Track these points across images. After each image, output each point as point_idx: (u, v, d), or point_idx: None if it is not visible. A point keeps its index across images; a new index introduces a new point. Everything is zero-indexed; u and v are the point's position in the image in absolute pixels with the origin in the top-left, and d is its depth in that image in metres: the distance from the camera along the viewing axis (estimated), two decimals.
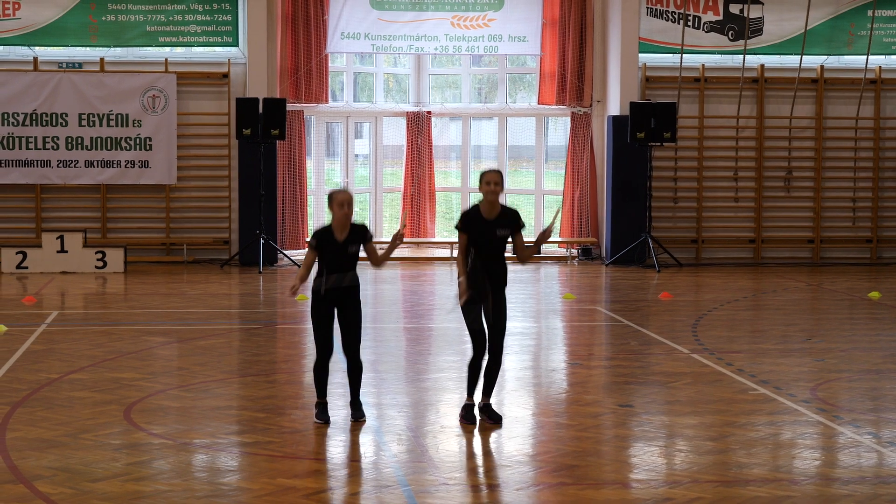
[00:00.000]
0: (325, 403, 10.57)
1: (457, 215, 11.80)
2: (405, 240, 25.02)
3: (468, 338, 10.42)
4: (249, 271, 22.56)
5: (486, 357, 10.41)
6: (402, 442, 9.84)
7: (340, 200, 10.26)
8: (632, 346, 14.63)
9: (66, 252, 22.32)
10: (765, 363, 13.40)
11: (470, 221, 10.35)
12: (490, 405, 10.52)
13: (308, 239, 10.49)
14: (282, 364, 13.43)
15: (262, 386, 12.12)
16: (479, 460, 9.50)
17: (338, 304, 10.40)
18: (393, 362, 13.61)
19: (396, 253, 24.73)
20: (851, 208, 25.36)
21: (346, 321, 10.42)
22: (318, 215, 24.87)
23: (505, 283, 10.45)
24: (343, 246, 10.32)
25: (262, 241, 22.79)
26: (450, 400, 11.36)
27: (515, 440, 9.95)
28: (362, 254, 10.41)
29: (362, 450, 9.68)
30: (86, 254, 22.38)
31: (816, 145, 25.14)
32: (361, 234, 10.43)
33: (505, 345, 10.67)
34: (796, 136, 25.19)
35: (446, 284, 20.09)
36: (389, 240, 10.52)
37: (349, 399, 10.63)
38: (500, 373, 10.57)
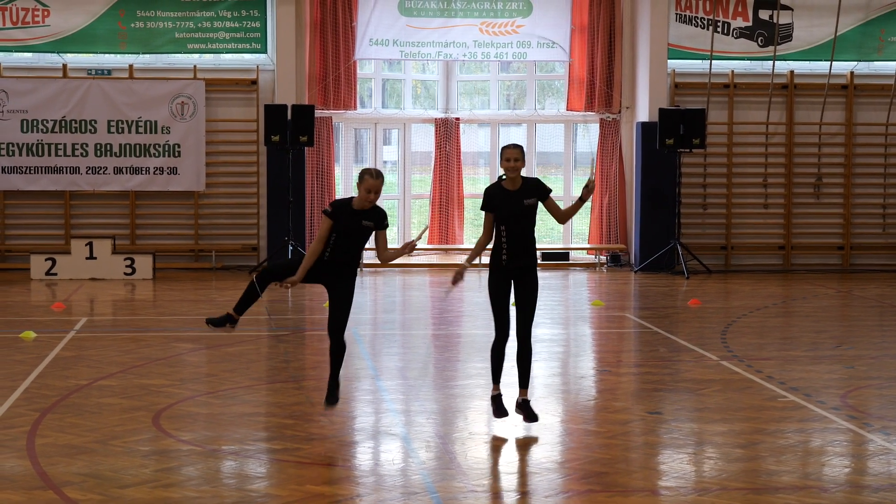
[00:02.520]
0: (237, 316, 10.78)
1: None
2: (433, 246, 25.08)
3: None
4: None
5: (516, 344, 10.39)
6: (431, 449, 9.82)
7: (368, 187, 10.15)
8: (661, 353, 14.58)
9: (95, 259, 22.39)
10: (794, 370, 13.34)
11: (494, 197, 10.23)
12: (527, 401, 10.43)
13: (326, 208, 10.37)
14: (310, 370, 13.43)
15: (291, 392, 12.12)
16: (508, 467, 9.47)
17: (332, 278, 10.32)
18: (421, 369, 13.61)
19: (425, 259, 24.92)
20: (882, 215, 25.23)
21: (335, 297, 10.33)
22: None
23: (535, 264, 10.35)
24: (358, 215, 10.20)
25: (290, 248, 22.82)
26: (479, 407, 11.33)
27: (544, 447, 9.93)
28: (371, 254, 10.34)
29: (390, 456, 9.66)
30: (115, 260, 22.45)
31: (846, 151, 25.04)
32: (380, 217, 10.32)
33: (533, 332, 10.56)
34: (826, 142, 25.09)
35: (475, 291, 20.05)
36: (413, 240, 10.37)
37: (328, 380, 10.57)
38: (531, 362, 10.50)
